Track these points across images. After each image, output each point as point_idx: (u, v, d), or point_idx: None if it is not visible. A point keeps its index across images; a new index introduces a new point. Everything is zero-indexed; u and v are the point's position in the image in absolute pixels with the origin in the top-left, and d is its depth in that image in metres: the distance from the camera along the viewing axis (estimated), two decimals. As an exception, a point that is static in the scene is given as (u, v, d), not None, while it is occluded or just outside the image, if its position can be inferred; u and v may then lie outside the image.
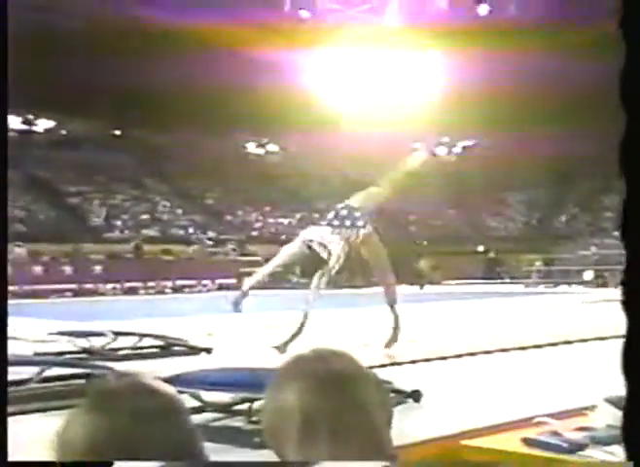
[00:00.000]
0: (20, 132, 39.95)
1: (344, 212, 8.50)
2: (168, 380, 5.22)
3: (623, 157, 1.34)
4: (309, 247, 8.04)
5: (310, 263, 8.14)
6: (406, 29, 31.28)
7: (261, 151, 47.03)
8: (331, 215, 8.57)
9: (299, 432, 1.38)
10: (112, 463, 1.25)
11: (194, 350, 8.11)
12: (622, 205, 1.36)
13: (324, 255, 8.03)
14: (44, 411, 5.56)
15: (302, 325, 7.70)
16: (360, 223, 8.49)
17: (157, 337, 8.62)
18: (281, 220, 40.51)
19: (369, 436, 1.39)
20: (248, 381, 4.96)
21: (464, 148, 48.29)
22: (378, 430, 1.41)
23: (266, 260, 27.99)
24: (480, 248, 39.55)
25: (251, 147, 46.76)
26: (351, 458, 1.36)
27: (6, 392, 2.21)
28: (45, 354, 7.81)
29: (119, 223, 35.68)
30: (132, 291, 27.90)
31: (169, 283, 29.05)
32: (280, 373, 1.46)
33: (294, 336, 7.60)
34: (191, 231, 36.75)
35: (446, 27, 30.16)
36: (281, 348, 7.46)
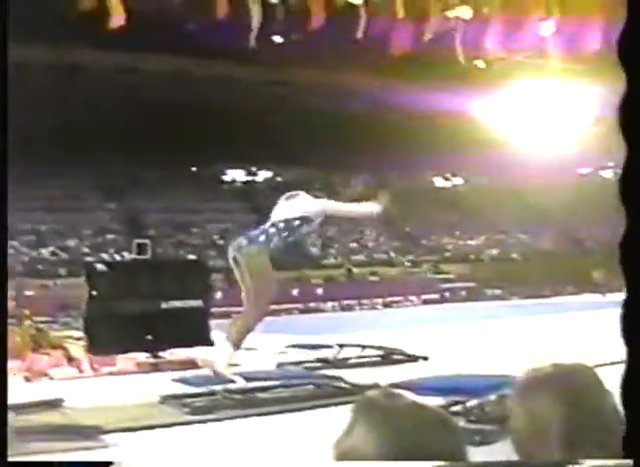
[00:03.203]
0: (245, 183, 41.75)
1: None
2: (397, 387, 5.17)
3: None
4: None
5: None
6: (563, 68, 30.53)
7: (447, 184, 47.13)
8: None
9: (556, 439, 1.31)
10: (111, 463, 1.21)
11: (412, 358, 7.94)
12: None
13: None
14: (286, 412, 5.60)
15: None
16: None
17: (377, 347, 8.52)
18: (469, 242, 40.12)
19: (617, 439, 1.32)
20: (462, 386, 4.82)
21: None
22: (621, 433, 1.33)
23: (459, 276, 27.61)
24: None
25: (438, 181, 47.01)
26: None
27: (6, 393, 2.07)
28: (285, 364, 7.90)
29: (333, 251, 36.27)
30: (349, 308, 28.26)
31: (380, 299, 29.32)
32: (528, 384, 1.41)
33: None
34: (392, 254, 36.93)
35: (601, 63, 29.21)
36: None
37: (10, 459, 1.91)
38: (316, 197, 6.79)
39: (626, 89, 1.38)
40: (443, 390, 4.91)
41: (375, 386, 5.81)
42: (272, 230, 6.50)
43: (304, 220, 6.62)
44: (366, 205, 6.78)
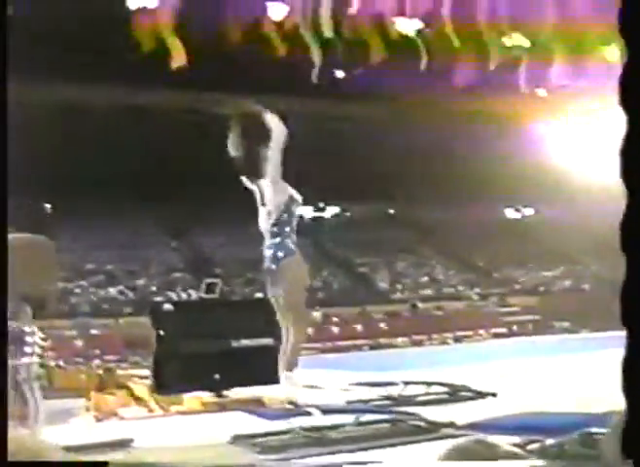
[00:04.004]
0: (313, 219, 41.87)
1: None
2: (474, 427, 5.13)
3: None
4: None
5: None
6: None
7: (517, 215, 46.73)
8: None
9: None
10: (107, 463, 1.22)
11: (479, 395, 7.79)
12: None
13: None
14: (360, 450, 5.54)
15: None
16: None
17: (443, 384, 8.40)
18: (544, 273, 39.58)
19: None
20: (539, 424, 4.75)
21: None
22: None
23: (526, 309, 27.19)
24: None
25: (509, 212, 46.64)
26: None
27: (6, 392, 2.06)
28: (349, 402, 7.82)
29: (400, 286, 36.12)
30: (418, 343, 27.98)
31: (449, 334, 28.98)
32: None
33: None
34: (460, 288, 36.61)
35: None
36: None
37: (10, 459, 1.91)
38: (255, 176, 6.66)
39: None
40: (519, 429, 4.84)
41: (452, 425, 5.75)
42: (279, 239, 6.43)
43: (285, 209, 6.55)
44: (275, 133, 6.58)
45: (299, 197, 6.76)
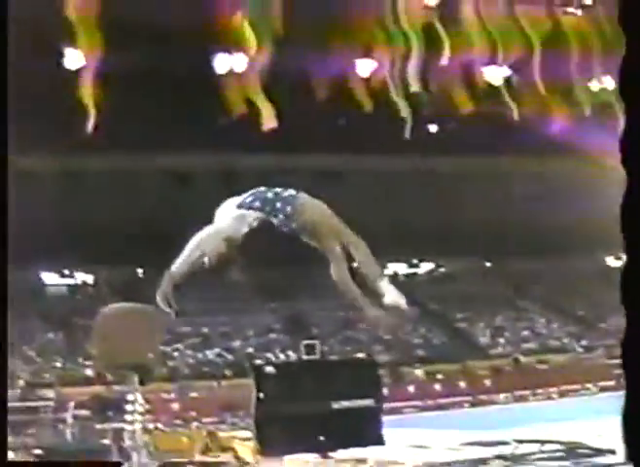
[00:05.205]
0: (407, 275, 41.54)
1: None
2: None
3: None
4: None
5: None
6: None
7: (619, 263, 45.43)
8: None
9: None
10: (121, 463, 1.12)
11: (597, 452, 7.47)
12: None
13: None
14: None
15: None
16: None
17: (556, 442, 8.11)
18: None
19: None
20: None
21: None
22: None
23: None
24: None
25: (610, 260, 45.46)
26: None
27: (6, 393, 2.00)
28: (460, 462, 7.63)
29: (502, 340, 35.32)
30: (522, 398, 27.23)
31: (555, 389, 28.05)
32: None
33: None
34: (566, 340, 35.57)
35: None
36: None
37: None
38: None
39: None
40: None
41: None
42: (280, 193, 5.93)
43: (252, 206, 6.10)
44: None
45: (235, 199, 6.24)
